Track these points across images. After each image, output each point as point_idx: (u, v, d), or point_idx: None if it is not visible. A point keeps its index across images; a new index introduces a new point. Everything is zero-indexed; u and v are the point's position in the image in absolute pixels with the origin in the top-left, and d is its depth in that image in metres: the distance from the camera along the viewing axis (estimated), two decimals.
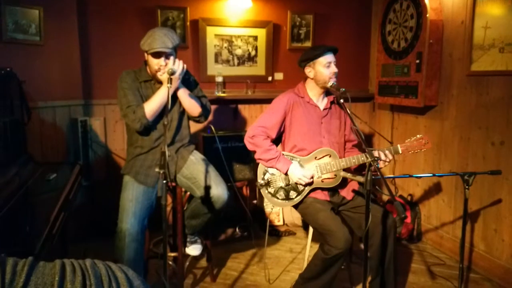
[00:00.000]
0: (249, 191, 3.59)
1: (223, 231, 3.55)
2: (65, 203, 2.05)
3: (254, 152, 2.44)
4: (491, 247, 2.88)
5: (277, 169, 2.38)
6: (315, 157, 2.40)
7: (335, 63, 2.41)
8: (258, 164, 2.46)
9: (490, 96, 2.83)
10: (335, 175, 2.35)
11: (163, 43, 2.25)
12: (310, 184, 2.36)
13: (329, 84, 2.39)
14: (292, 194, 2.39)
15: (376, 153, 2.27)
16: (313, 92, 2.48)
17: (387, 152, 2.29)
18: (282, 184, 2.39)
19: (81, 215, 3.37)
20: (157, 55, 2.28)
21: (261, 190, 2.45)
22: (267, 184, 2.42)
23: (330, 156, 2.38)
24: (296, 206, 2.44)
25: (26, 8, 2.97)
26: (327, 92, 2.53)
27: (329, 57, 2.40)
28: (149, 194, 2.35)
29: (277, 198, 2.41)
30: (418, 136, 2.33)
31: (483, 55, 2.82)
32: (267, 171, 2.43)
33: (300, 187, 2.38)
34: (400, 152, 2.32)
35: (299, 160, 2.40)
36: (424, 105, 3.30)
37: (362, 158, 2.29)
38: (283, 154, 2.41)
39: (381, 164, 2.27)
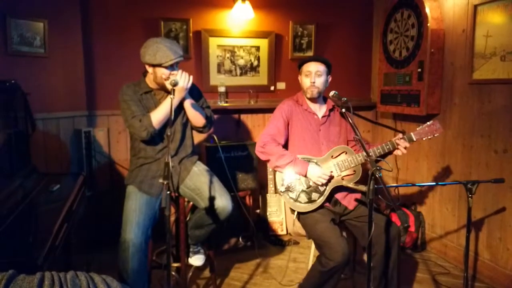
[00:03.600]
0: (252, 200, 3.59)
1: (226, 241, 3.55)
2: (69, 214, 2.05)
3: (268, 161, 2.43)
4: (496, 256, 2.86)
5: (295, 172, 2.37)
6: (332, 156, 2.40)
7: (319, 73, 2.41)
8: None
9: (492, 104, 2.83)
10: (354, 170, 2.36)
11: (176, 52, 2.27)
12: (329, 181, 2.35)
13: (311, 94, 2.43)
14: (315, 196, 2.36)
15: (391, 148, 2.29)
16: (309, 100, 2.51)
17: (402, 140, 2.30)
18: (303, 187, 2.37)
19: (85, 226, 3.37)
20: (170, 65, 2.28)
21: (283, 197, 2.42)
22: (288, 189, 2.39)
23: (346, 153, 2.39)
24: (298, 216, 2.43)
25: (31, 21, 3.01)
26: (325, 99, 2.56)
27: (307, 66, 2.44)
28: (152, 204, 2.35)
29: (300, 202, 2.37)
30: (428, 122, 2.33)
31: (485, 63, 2.83)
32: None
33: (321, 188, 2.36)
34: (414, 139, 2.31)
35: (316, 161, 2.40)
36: (427, 113, 3.30)
37: (387, 147, 2.31)
38: (298, 157, 2.41)
39: (401, 151, 2.31)
